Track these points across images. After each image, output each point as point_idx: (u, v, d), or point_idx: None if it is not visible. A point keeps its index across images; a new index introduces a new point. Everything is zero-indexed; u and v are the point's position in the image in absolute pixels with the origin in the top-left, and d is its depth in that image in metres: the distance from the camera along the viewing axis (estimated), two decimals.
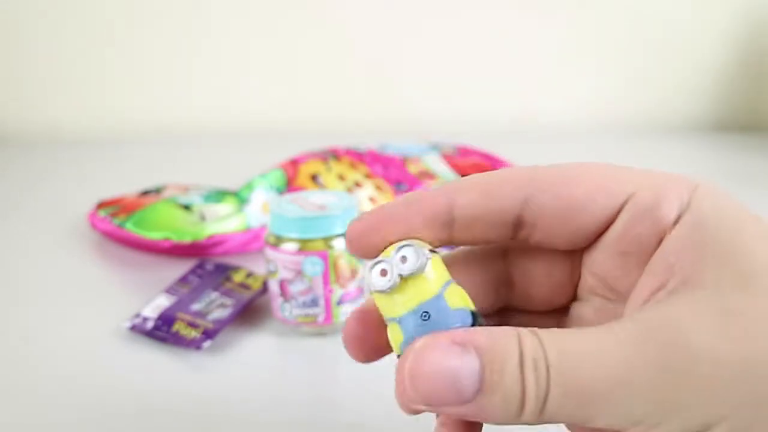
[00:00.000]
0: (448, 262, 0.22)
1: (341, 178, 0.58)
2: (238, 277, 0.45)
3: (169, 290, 0.44)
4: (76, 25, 0.97)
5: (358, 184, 0.58)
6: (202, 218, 0.52)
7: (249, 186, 0.56)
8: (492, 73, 1.01)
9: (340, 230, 0.38)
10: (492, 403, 0.17)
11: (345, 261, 0.39)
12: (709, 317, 0.17)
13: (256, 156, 0.76)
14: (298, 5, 0.97)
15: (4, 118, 1.00)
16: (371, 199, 0.57)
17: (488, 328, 0.18)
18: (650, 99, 1.02)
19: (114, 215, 0.54)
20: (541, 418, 0.17)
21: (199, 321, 0.40)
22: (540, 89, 1.02)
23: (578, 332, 0.17)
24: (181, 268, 0.50)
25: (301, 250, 0.38)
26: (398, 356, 0.19)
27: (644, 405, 0.16)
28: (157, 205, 0.54)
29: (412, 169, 0.62)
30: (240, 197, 0.55)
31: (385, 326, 0.20)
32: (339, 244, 0.38)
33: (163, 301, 0.42)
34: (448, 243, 0.21)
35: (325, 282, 0.39)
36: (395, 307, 0.19)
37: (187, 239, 0.50)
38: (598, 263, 0.21)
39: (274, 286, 0.40)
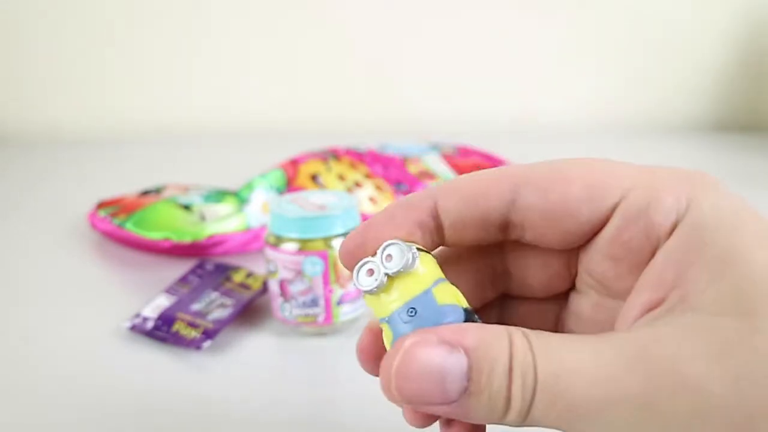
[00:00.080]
0: (444, 256, 0.22)
1: (341, 178, 0.58)
2: (238, 277, 0.45)
3: (169, 290, 0.44)
4: (76, 25, 0.97)
5: (358, 184, 0.58)
6: (202, 218, 0.52)
7: (249, 186, 0.56)
8: (492, 73, 1.01)
9: (340, 230, 0.38)
10: (477, 404, 0.17)
11: None
12: (703, 346, 0.16)
13: (256, 156, 0.76)
14: (298, 5, 0.97)
15: (4, 118, 1.00)
16: (371, 199, 0.57)
17: (480, 325, 0.18)
18: (650, 99, 1.02)
19: (114, 215, 0.54)
20: (524, 423, 0.17)
21: (199, 321, 0.40)
22: (540, 89, 1.02)
23: (569, 344, 0.17)
24: (181, 268, 0.50)
25: (301, 250, 0.38)
26: None
27: (629, 428, 0.16)
28: (157, 205, 0.54)
29: (412, 169, 0.62)
30: (240, 197, 0.55)
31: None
32: (339, 244, 0.38)
33: (163, 301, 0.42)
34: (441, 245, 0.21)
35: (325, 282, 0.39)
36: (384, 307, 0.19)
37: (187, 239, 0.50)
38: (593, 263, 0.20)
39: (274, 286, 0.40)
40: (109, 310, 0.44)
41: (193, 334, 0.38)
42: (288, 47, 0.99)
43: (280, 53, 0.99)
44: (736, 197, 0.18)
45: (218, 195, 0.56)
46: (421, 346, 0.17)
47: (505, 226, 0.20)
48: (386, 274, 0.19)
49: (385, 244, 0.19)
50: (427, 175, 0.61)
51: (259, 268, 0.48)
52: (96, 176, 0.78)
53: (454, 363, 0.17)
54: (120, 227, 0.53)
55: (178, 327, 0.39)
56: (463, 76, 1.01)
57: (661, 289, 0.17)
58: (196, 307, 0.42)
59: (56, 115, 1.01)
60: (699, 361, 0.15)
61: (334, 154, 0.61)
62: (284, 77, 1.01)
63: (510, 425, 0.17)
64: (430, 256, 0.20)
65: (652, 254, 0.18)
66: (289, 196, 0.41)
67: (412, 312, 0.18)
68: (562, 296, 0.22)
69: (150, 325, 0.40)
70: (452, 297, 0.19)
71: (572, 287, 0.22)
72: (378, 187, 0.58)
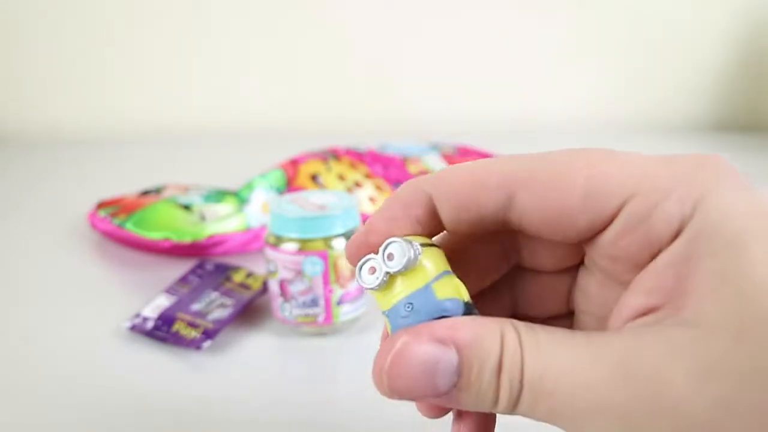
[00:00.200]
0: (451, 241, 0.21)
1: (341, 178, 0.58)
2: (238, 277, 0.45)
3: (169, 290, 0.44)
4: (76, 25, 0.97)
5: (358, 184, 0.58)
6: (202, 218, 0.52)
7: (249, 186, 0.56)
8: (492, 73, 1.01)
9: (340, 230, 0.38)
10: (466, 398, 0.17)
11: (345, 261, 0.39)
12: (688, 365, 0.15)
13: (256, 156, 0.76)
14: (298, 5, 0.97)
15: (4, 118, 1.00)
16: (371, 199, 0.57)
17: (473, 321, 0.18)
18: (650, 99, 1.02)
19: (114, 215, 0.54)
20: (513, 414, 0.17)
21: (199, 321, 0.40)
22: (540, 89, 1.02)
23: (558, 344, 0.17)
24: (181, 268, 0.50)
25: (301, 250, 0.38)
26: None
27: (606, 430, 0.16)
28: (157, 205, 0.54)
29: (412, 169, 0.62)
30: (240, 197, 0.55)
31: None
32: (339, 244, 0.38)
33: (163, 301, 0.42)
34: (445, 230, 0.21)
35: (325, 282, 0.39)
36: (386, 301, 0.19)
37: (187, 239, 0.50)
38: (596, 255, 0.19)
39: (274, 286, 0.40)
40: (109, 310, 0.44)
41: (193, 334, 0.38)
42: (288, 47, 0.99)
43: (280, 53, 0.99)
44: (751, 193, 0.17)
45: (218, 195, 0.56)
46: (413, 344, 0.17)
47: (505, 222, 0.20)
48: (387, 273, 0.19)
49: (387, 242, 0.19)
50: None
51: (259, 268, 0.48)
52: (96, 176, 0.78)
53: (445, 360, 0.17)
54: (120, 227, 0.53)
55: (178, 327, 0.39)
56: (463, 76, 1.01)
57: (656, 297, 0.17)
58: (196, 307, 0.42)
59: (56, 115, 1.01)
60: (681, 381, 0.15)
61: (334, 154, 0.61)
62: (284, 77, 1.01)
63: (500, 414, 0.18)
64: (436, 248, 0.20)
65: (653, 258, 0.18)
66: (289, 196, 0.41)
67: (409, 307, 0.19)
68: (573, 269, 0.22)
69: (150, 325, 0.40)
70: (453, 290, 0.19)
71: (582, 262, 0.21)
72: (378, 187, 0.58)
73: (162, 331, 0.39)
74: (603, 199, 0.18)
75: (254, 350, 0.39)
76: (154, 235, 0.51)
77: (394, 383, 0.18)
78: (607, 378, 0.16)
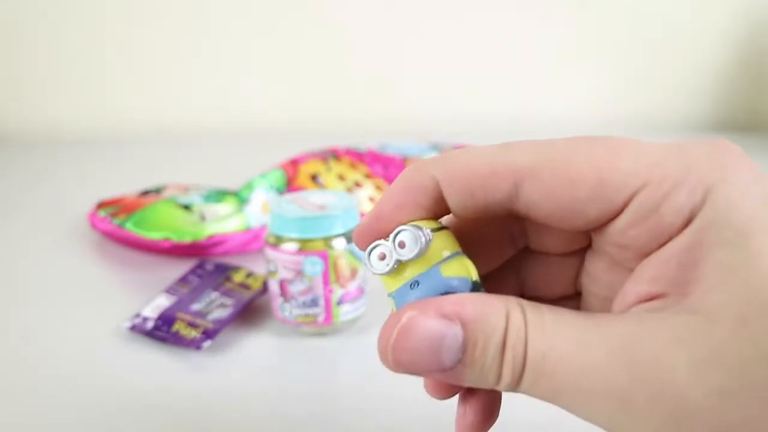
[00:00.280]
0: (458, 223, 0.21)
1: (341, 178, 0.58)
2: (238, 277, 0.45)
3: (169, 290, 0.44)
4: (76, 25, 0.97)
5: (358, 184, 0.58)
6: (202, 218, 0.52)
7: (249, 186, 0.56)
8: (492, 73, 1.01)
9: (340, 230, 0.38)
10: (470, 374, 0.18)
11: (345, 261, 0.39)
12: (690, 352, 0.15)
13: (256, 156, 0.76)
14: (298, 5, 0.97)
15: (4, 118, 1.00)
16: (371, 199, 0.57)
17: (480, 297, 0.18)
18: (650, 99, 1.02)
19: (114, 215, 0.54)
20: (515, 392, 0.18)
21: (199, 321, 0.40)
22: (540, 89, 1.02)
23: (562, 324, 0.17)
24: (181, 268, 0.50)
25: (301, 250, 0.38)
26: None
27: (608, 418, 0.16)
28: (157, 205, 0.54)
29: None
30: (240, 197, 0.55)
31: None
32: (339, 244, 0.38)
33: (163, 301, 0.42)
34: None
35: (325, 282, 0.39)
36: (392, 283, 0.19)
37: (187, 239, 0.50)
38: (603, 242, 0.19)
39: (274, 286, 0.40)
40: (109, 310, 0.44)
41: (193, 334, 0.38)
42: (288, 47, 0.99)
43: (280, 53, 0.99)
44: (761, 181, 0.17)
45: (218, 195, 0.56)
46: (419, 318, 0.17)
47: (510, 209, 0.19)
48: (398, 260, 0.19)
49: (398, 230, 0.19)
50: None
51: (259, 268, 0.48)
52: (96, 176, 0.78)
53: (450, 335, 0.17)
54: (120, 227, 0.53)
55: (178, 327, 0.39)
56: (463, 76, 1.01)
57: (659, 285, 0.17)
58: (196, 307, 0.42)
59: (56, 115, 1.01)
60: (683, 367, 0.15)
61: (334, 154, 0.61)
62: (284, 77, 1.01)
63: (503, 391, 0.18)
64: (446, 231, 0.20)
65: (661, 247, 0.18)
66: (289, 196, 0.41)
67: (414, 285, 0.19)
68: (581, 252, 0.22)
69: (150, 325, 0.40)
70: (461, 269, 0.19)
71: (590, 245, 0.21)
72: (378, 187, 0.58)
73: (162, 331, 0.39)
74: (613, 190, 0.17)
75: (254, 350, 0.39)
76: (154, 235, 0.51)
77: (399, 357, 0.18)
78: (609, 361, 0.16)
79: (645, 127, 1.01)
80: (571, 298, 0.22)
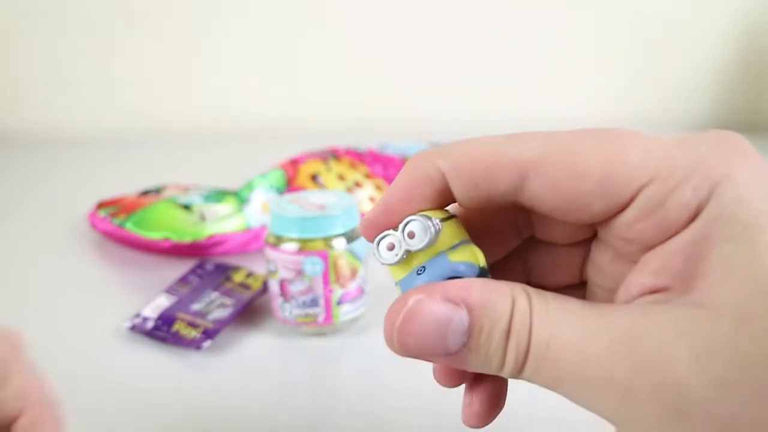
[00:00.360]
0: (464, 213, 0.21)
1: (341, 178, 0.58)
2: (238, 277, 0.45)
3: (169, 290, 0.44)
4: (76, 25, 0.97)
5: (358, 184, 0.58)
6: (202, 218, 0.52)
7: (249, 186, 0.56)
8: (492, 73, 1.01)
9: (340, 230, 0.38)
10: (474, 359, 0.18)
11: (345, 261, 0.39)
12: (692, 345, 0.15)
13: (256, 156, 0.76)
14: (298, 5, 0.97)
15: (4, 118, 1.00)
16: (371, 199, 0.57)
17: (486, 282, 0.18)
18: (650, 99, 1.02)
19: (114, 215, 0.54)
20: (518, 378, 0.18)
21: (199, 321, 0.40)
22: (540, 89, 1.02)
23: (567, 313, 0.17)
24: (181, 268, 0.50)
25: (301, 250, 0.38)
26: None
27: (609, 408, 0.16)
28: (157, 205, 0.54)
29: None
30: (240, 197, 0.55)
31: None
32: (339, 244, 0.38)
33: (163, 301, 0.42)
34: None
35: (325, 282, 0.39)
36: (400, 272, 0.20)
37: (187, 239, 0.50)
38: (608, 234, 0.19)
39: (274, 286, 0.40)
40: (109, 310, 0.44)
41: (193, 334, 0.38)
42: (288, 47, 0.99)
43: (280, 53, 0.99)
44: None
45: (218, 195, 0.56)
46: (425, 301, 0.17)
47: (516, 201, 0.19)
48: (407, 250, 0.19)
49: (407, 220, 0.19)
50: None
51: (259, 268, 0.48)
52: (96, 176, 0.78)
53: (456, 320, 0.17)
54: (120, 227, 0.53)
55: (178, 327, 0.39)
56: (463, 76, 1.01)
57: (663, 278, 0.17)
58: (196, 307, 0.42)
59: (56, 115, 1.01)
60: (685, 359, 0.15)
61: (334, 154, 0.61)
62: (284, 77, 1.00)
63: (506, 377, 0.18)
64: (454, 219, 0.20)
65: (666, 240, 0.17)
66: (289, 196, 0.41)
67: (421, 270, 0.19)
68: (587, 242, 0.22)
69: (150, 325, 0.40)
70: (469, 256, 0.19)
71: (596, 235, 0.21)
72: (378, 187, 0.58)
73: (162, 331, 0.39)
74: (619, 184, 0.17)
75: (254, 350, 0.39)
76: (154, 235, 0.51)
77: (404, 340, 0.18)
78: (612, 351, 0.16)
79: (645, 127, 1.00)
80: (577, 287, 0.22)
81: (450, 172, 0.19)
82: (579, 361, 0.16)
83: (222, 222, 0.52)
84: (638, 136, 0.18)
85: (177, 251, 0.51)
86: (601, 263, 0.21)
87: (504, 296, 0.17)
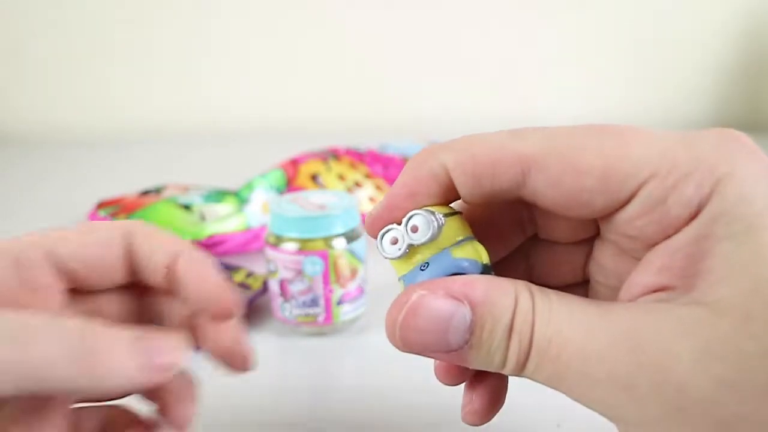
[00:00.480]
0: (468, 209, 0.21)
1: (341, 178, 0.58)
2: (238, 277, 0.45)
3: None
4: (76, 25, 0.97)
5: (358, 184, 0.58)
6: (202, 218, 0.52)
7: (249, 186, 0.56)
8: (492, 73, 1.01)
9: (340, 230, 0.38)
10: (476, 356, 0.18)
11: (345, 261, 0.39)
12: (694, 344, 0.15)
13: (256, 156, 0.76)
14: (298, 5, 0.97)
15: (4, 118, 1.00)
16: (371, 199, 0.57)
17: (489, 279, 0.18)
18: (650, 99, 1.02)
19: (114, 215, 0.54)
20: (520, 376, 0.18)
21: None
22: (540, 89, 1.02)
23: (569, 310, 0.17)
24: None
25: (301, 250, 0.38)
26: None
27: (610, 405, 0.16)
28: (157, 205, 0.54)
29: None
30: (240, 197, 0.55)
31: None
32: (339, 244, 0.38)
33: None
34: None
35: (325, 282, 0.39)
36: (403, 267, 0.20)
37: (187, 239, 0.50)
38: (610, 231, 0.19)
39: (274, 286, 0.40)
40: None
41: None
42: (288, 47, 0.99)
43: (280, 53, 0.99)
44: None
45: (218, 195, 0.56)
46: (428, 297, 0.17)
47: (518, 197, 0.19)
48: (410, 245, 0.19)
49: (410, 214, 0.19)
50: None
51: (259, 268, 0.48)
52: (96, 176, 0.78)
53: (458, 316, 0.17)
54: None
55: None
56: (463, 76, 1.01)
57: (666, 276, 0.17)
58: None
59: (56, 115, 1.01)
60: (687, 358, 0.15)
61: (334, 154, 0.61)
62: (284, 77, 1.01)
63: (508, 375, 0.18)
64: (458, 215, 0.20)
65: (668, 238, 0.17)
66: (289, 196, 0.41)
67: (424, 266, 0.19)
68: (590, 240, 0.22)
69: None
70: (472, 252, 0.19)
71: (598, 234, 0.21)
72: (378, 187, 0.58)
73: None
74: (620, 181, 0.17)
75: (254, 350, 0.39)
76: None
77: (406, 335, 0.18)
78: (614, 349, 0.16)
79: (645, 127, 1.01)
80: (580, 286, 0.22)
81: (454, 167, 0.19)
82: (581, 358, 0.16)
83: (222, 222, 0.52)
84: (640, 132, 0.18)
85: None
86: (604, 261, 0.21)
87: (507, 293, 0.17)
